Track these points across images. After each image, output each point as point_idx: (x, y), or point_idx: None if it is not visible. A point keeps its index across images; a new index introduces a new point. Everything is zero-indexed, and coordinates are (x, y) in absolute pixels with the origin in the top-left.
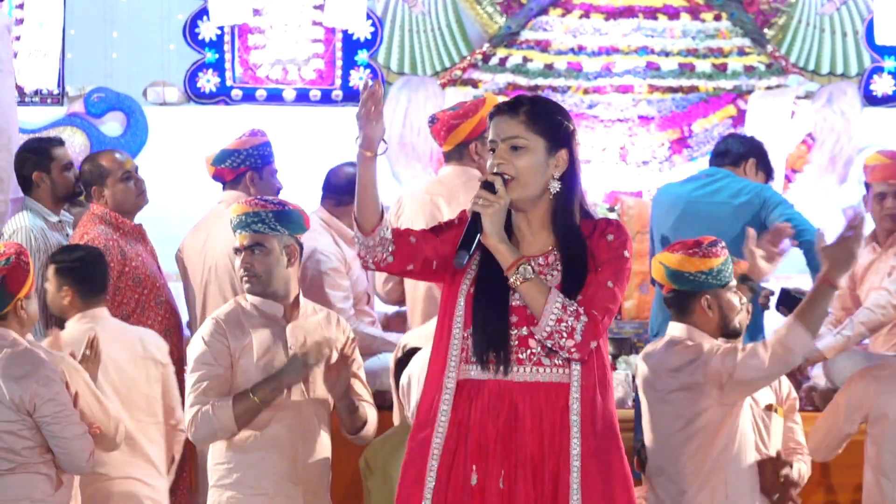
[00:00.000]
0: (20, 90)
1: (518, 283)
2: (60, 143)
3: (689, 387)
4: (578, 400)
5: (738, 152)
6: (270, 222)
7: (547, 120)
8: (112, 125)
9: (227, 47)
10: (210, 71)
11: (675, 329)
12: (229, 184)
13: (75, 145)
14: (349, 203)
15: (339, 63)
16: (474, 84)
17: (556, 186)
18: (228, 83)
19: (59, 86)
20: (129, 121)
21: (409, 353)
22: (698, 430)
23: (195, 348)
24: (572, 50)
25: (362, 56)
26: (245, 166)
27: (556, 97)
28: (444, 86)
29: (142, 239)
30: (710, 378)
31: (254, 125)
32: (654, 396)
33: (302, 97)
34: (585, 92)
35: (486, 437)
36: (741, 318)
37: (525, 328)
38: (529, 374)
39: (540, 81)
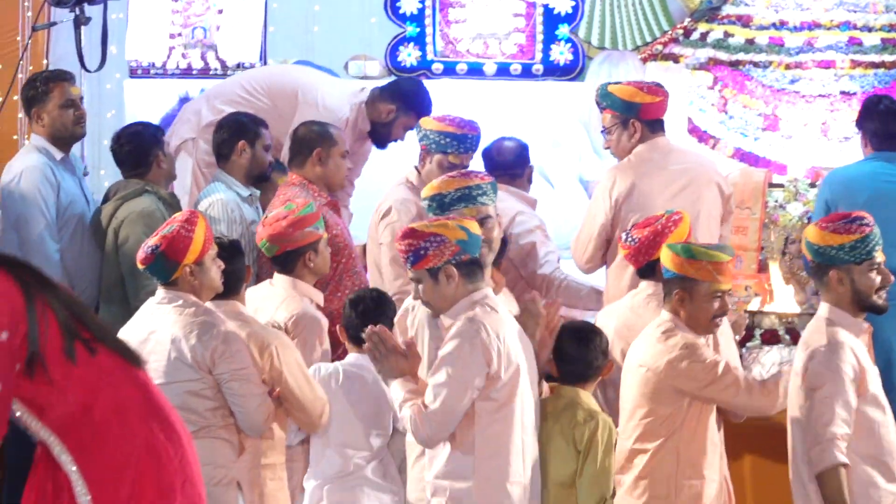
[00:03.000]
0: (222, 63)
1: None
2: (266, 125)
3: None
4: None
5: None
6: (491, 194)
7: None
8: None
9: (427, 21)
10: (411, 45)
11: (822, 309)
12: (419, 157)
13: None
14: (521, 176)
15: (540, 37)
16: (675, 59)
17: None
18: (429, 57)
19: (261, 59)
20: None
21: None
22: None
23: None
24: (774, 25)
25: (563, 30)
26: (424, 144)
27: (758, 72)
28: (644, 60)
29: (336, 211)
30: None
31: (454, 99)
32: None
33: (502, 71)
34: (787, 67)
35: None
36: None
37: None
38: None
39: (741, 56)
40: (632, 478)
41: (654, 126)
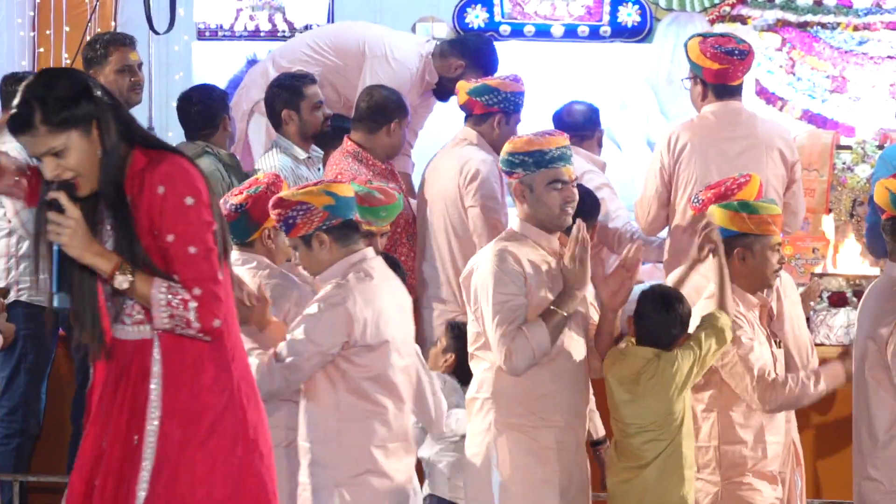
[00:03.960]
0: (290, 25)
1: (124, 288)
2: (313, 80)
3: None
4: (160, 355)
5: None
6: (572, 154)
7: (62, 111)
8: None
9: None
10: (478, 6)
11: (893, 269)
12: (475, 118)
13: None
14: (590, 138)
15: None
16: (743, 20)
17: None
18: (497, 19)
19: (328, 20)
20: None
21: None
22: None
23: (490, 276)
24: None
25: None
26: (498, 107)
27: (825, 34)
28: (712, 22)
29: (392, 177)
30: None
31: (522, 61)
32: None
33: (570, 33)
34: (855, 29)
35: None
36: None
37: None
38: (120, 332)
39: (809, 18)
40: (701, 445)
41: (720, 91)
